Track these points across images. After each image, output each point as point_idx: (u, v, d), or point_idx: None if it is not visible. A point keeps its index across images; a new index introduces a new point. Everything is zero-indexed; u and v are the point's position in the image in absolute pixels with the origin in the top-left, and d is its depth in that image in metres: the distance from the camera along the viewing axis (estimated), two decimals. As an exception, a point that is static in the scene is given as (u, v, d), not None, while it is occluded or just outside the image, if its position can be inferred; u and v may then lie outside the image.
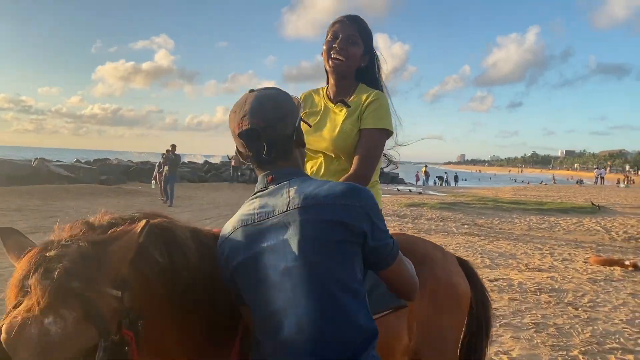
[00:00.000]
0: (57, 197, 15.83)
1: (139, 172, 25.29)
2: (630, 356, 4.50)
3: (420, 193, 30.73)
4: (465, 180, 60.10)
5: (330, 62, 2.07)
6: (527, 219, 15.77)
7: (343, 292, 1.34)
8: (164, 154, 17.86)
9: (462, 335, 2.35)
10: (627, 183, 50.34)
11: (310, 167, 2.21)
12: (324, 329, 1.31)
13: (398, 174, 51.72)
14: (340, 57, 2.04)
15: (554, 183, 53.27)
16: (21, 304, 1.11)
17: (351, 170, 2.01)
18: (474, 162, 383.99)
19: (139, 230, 1.23)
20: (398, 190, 33.66)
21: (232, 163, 28.06)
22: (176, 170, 17.96)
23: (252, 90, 1.53)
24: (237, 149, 1.53)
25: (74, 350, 1.09)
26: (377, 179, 2.22)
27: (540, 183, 51.60)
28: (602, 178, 53.89)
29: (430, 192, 32.09)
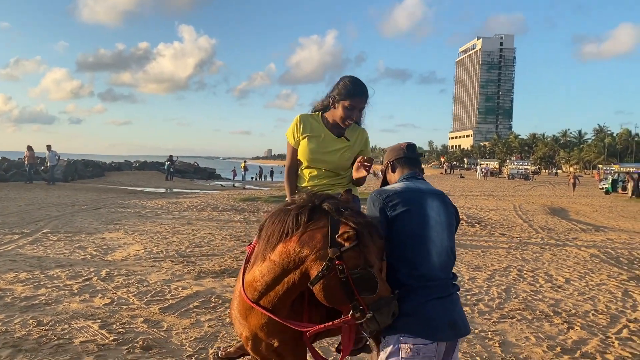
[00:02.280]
0: None
1: None
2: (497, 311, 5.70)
3: (244, 188, 31.35)
4: (281, 173, 62.42)
5: (346, 122, 3.07)
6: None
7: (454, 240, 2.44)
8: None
9: None
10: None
11: (309, 172, 3.20)
12: (449, 256, 2.33)
13: (215, 169, 51.46)
14: (351, 122, 3.11)
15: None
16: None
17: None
18: (281, 156, 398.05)
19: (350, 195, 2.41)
20: (222, 185, 33.79)
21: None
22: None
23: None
24: (392, 158, 2.61)
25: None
26: None
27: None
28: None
29: (252, 187, 32.90)
